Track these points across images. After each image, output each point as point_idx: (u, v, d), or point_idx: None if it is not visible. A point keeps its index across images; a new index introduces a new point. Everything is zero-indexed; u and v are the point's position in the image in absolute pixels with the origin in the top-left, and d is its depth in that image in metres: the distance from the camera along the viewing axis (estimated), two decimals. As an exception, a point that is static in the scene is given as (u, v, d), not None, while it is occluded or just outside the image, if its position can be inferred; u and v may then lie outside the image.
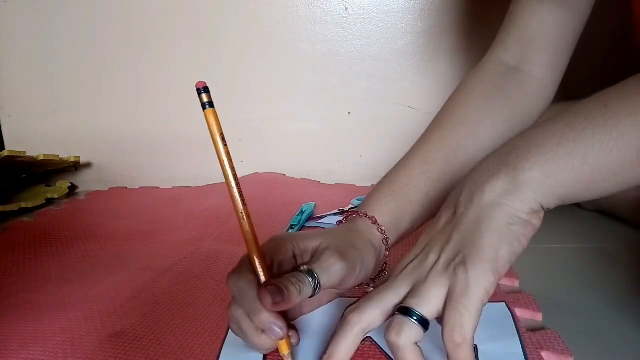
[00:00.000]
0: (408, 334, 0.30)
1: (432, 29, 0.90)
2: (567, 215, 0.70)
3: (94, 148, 1.02)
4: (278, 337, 0.34)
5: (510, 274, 0.50)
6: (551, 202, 0.32)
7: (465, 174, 0.36)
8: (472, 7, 0.89)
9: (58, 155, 0.94)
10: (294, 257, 0.39)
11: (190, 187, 0.96)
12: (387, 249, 0.44)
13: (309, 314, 0.41)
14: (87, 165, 1.03)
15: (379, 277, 0.45)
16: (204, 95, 0.33)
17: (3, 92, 1.01)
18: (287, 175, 0.96)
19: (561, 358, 0.36)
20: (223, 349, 0.39)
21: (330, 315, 0.42)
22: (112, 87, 0.99)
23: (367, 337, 0.37)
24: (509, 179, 0.31)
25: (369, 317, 0.32)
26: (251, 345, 0.36)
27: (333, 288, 0.39)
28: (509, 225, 0.31)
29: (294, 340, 0.36)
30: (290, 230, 0.66)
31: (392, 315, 0.32)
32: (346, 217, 0.46)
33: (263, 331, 0.34)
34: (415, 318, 0.30)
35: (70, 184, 0.99)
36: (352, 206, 0.75)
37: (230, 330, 0.40)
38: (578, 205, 0.74)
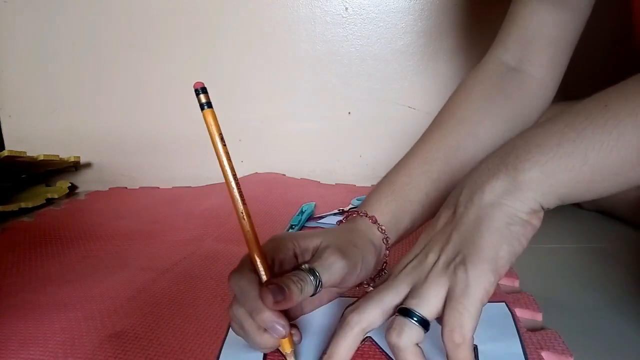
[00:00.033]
0: (409, 334, 0.30)
1: (432, 29, 0.90)
2: (567, 215, 0.70)
3: (94, 148, 1.02)
4: (280, 336, 0.34)
5: (510, 274, 0.50)
6: (551, 202, 0.32)
7: (465, 173, 0.36)
8: (472, 7, 0.89)
9: (58, 155, 0.94)
10: (295, 256, 0.39)
11: (190, 187, 0.96)
12: (387, 248, 0.44)
13: (309, 314, 0.41)
14: (87, 165, 1.03)
15: (379, 276, 0.45)
16: (202, 96, 0.33)
17: (3, 92, 1.01)
18: (287, 175, 0.96)
19: (561, 358, 0.36)
20: (223, 349, 0.39)
21: (330, 314, 0.42)
22: (112, 87, 0.99)
23: (367, 337, 0.37)
24: (509, 179, 0.31)
25: (369, 317, 0.32)
26: (253, 345, 0.36)
27: (334, 287, 0.39)
28: (508, 225, 0.31)
29: (296, 338, 0.36)
30: (290, 230, 0.66)
31: (392, 315, 0.32)
32: (346, 217, 0.46)
33: (265, 330, 0.34)
34: (415, 319, 0.30)
35: (70, 184, 0.99)
36: (352, 206, 0.75)
37: (230, 330, 0.40)
38: (578, 205, 0.74)
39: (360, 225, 0.43)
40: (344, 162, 0.97)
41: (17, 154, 0.83)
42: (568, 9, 0.48)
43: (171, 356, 0.38)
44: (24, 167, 0.95)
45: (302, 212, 0.72)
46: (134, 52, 0.97)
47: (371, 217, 0.44)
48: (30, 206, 0.84)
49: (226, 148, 0.34)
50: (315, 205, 0.76)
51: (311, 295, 0.35)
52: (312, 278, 0.35)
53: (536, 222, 0.32)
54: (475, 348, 0.36)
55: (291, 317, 0.39)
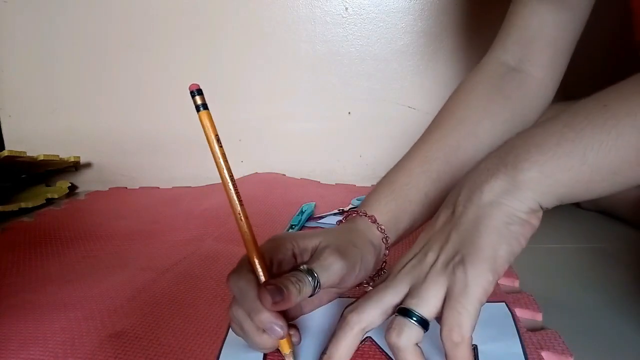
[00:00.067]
0: (408, 334, 0.30)
1: (432, 29, 0.90)
2: (567, 215, 0.70)
3: (94, 148, 1.02)
4: (279, 336, 0.34)
5: (510, 274, 0.50)
6: (550, 202, 0.32)
7: (465, 173, 0.36)
8: (472, 7, 0.89)
9: (58, 155, 0.94)
10: (294, 256, 0.39)
11: (190, 187, 0.96)
12: (386, 248, 0.44)
13: (308, 314, 0.41)
14: (87, 165, 1.03)
15: (378, 276, 0.45)
16: (197, 98, 0.33)
17: (3, 92, 1.01)
18: (287, 175, 0.96)
19: (561, 358, 0.36)
20: (223, 349, 0.39)
21: (330, 315, 0.42)
22: (112, 87, 0.99)
23: (367, 337, 0.37)
24: (508, 178, 0.31)
25: (368, 317, 0.32)
26: (252, 345, 0.36)
27: (333, 287, 0.39)
28: (507, 224, 0.31)
29: (295, 339, 0.36)
30: (290, 230, 0.66)
31: (391, 314, 0.33)
32: (346, 217, 0.46)
33: (264, 331, 0.34)
34: (414, 319, 0.30)
35: (70, 184, 0.99)
36: (352, 206, 0.75)
37: (230, 330, 0.40)
38: (578, 205, 0.74)
39: (360, 225, 0.43)
40: (344, 162, 0.97)
41: (17, 154, 0.83)
42: (568, 9, 0.48)
43: (171, 356, 0.38)
44: (24, 167, 0.95)
45: (302, 212, 0.72)
46: (134, 52, 0.97)
47: (370, 217, 0.44)
48: (30, 206, 0.84)
49: (222, 149, 0.34)
50: (315, 205, 0.76)
51: (310, 296, 0.35)
52: (310, 279, 0.35)
53: (535, 221, 0.32)
54: (475, 348, 0.36)
55: (290, 317, 0.39)
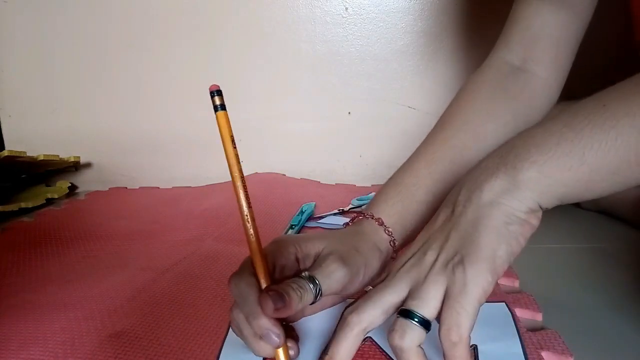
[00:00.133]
0: (411, 336, 0.30)
1: (432, 29, 0.90)
2: (567, 215, 0.70)
3: (94, 148, 1.02)
4: (274, 345, 0.33)
5: (510, 274, 0.50)
6: (549, 202, 0.32)
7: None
8: (472, 7, 0.89)
9: (58, 155, 0.94)
10: (297, 260, 0.38)
11: (190, 187, 0.96)
12: (394, 251, 0.43)
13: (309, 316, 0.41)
14: (87, 165, 1.03)
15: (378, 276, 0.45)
16: (216, 98, 0.33)
17: (3, 92, 1.01)
18: (287, 175, 0.96)
19: (561, 358, 0.36)
20: (223, 349, 0.39)
21: (330, 317, 0.42)
22: (112, 87, 0.99)
23: (367, 337, 0.37)
24: (508, 178, 0.31)
25: (369, 318, 0.32)
26: (251, 350, 0.35)
27: (335, 294, 0.39)
28: (506, 224, 0.31)
29: (292, 352, 0.35)
30: (290, 230, 0.66)
31: (391, 314, 0.32)
32: (353, 219, 0.46)
33: (262, 337, 0.34)
34: (416, 320, 0.30)
35: (70, 184, 0.99)
36: (352, 206, 0.75)
37: (230, 330, 0.40)
38: (578, 205, 0.74)
39: (366, 228, 0.43)
40: (344, 162, 0.97)
41: (17, 154, 0.83)
42: (569, 9, 0.48)
43: (171, 356, 0.38)
44: (24, 167, 0.95)
45: (302, 212, 0.72)
46: (134, 52, 0.97)
47: (377, 219, 0.43)
48: (30, 206, 0.84)
49: (236, 151, 0.34)
50: (315, 205, 0.76)
51: (311, 304, 0.35)
52: (311, 286, 0.34)
53: (534, 221, 0.32)
54: (475, 348, 0.36)
55: (292, 320, 0.39)
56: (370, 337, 0.38)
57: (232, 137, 0.34)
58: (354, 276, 0.38)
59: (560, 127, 0.31)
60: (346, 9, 0.91)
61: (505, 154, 0.33)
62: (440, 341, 0.30)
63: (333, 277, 0.36)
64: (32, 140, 1.00)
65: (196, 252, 0.60)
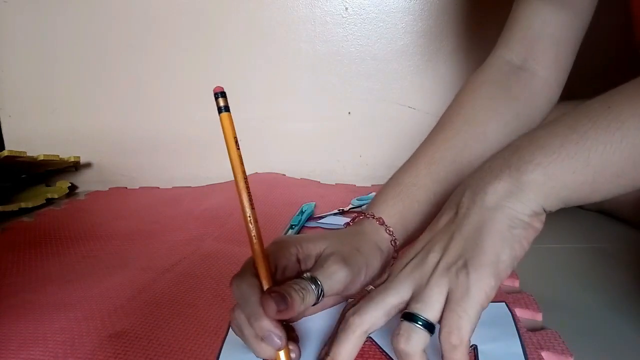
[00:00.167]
0: (416, 340, 0.30)
1: (432, 29, 0.90)
2: (567, 215, 0.69)
3: (94, 148, 1.02)
4: (276, 347, 0.33)
5: (510, 274, 0.50)
6: (553, 204, 0.31)
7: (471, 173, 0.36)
8: (472, 7, 0.89)
9: (58, 155, 0.94)
10: (298, 261, 0.38)
11: (190, 187, 0.96)
12: (395, 251, 0.43)
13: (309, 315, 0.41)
14: (87, 165, 1.03)
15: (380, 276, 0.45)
16: (220, 99, 0.33)
17: (3, 92, 1.01)
18: (287, 175, 0.96)
19: (561, 358, 0.36)
20: (223, 349, 0.39)
21: (330, 315, 0.42)
22: (112, 87, 0.99)
23: (367, 337, 0.37)
24: (512, 180, 0.31)
25: (371, 319, 0.32)
26: (252, 351, 0.35)
27: (337, 294, 0.39)
28: (510, 228, 0.31)
29: (293, 355, 0.35)
30: (290, 231, 0.66)
31: (393, 315, 0.32)
32: (353, 219, 0.46)
33: (263, 339, 0.34)
34: (420, 323, 0.30)
35: (70, 184, 0.99)
36: (352, 206, 0.75)
37: (230, 330, 0.40)
38: (578, 206, 0.74)
39: (367, 228, 0.43)
40: (344, 162, 0.97)
41: (17, 154, 0.83)
42: (569, 9, 0.48)
43: (171, 356, 0.38)
44: (24, 167, 0.95)
45: (302, 212, 0.72)
46: (134, 52, 0.97)
47: (378, 219, 0.43)
48: (30, 206, 0.84)
49: (240, 152, 0.34)
50: (315, 205, 0.76)
51: (313, 305, 0.35)
52: (313, 287, 0.34)
53: (538, 224, 0.32)
54: (475, 348, 0.36)
55: (293, 319, 0.39)
56: (370, 337, 0.38)
57: (235, 138, 0.34)
58: (355, 276, 0.38)
59: (564, 129, 0.31)
60: (346, 9, 0.91)
61: (509, 156, 0.32)
62: (440, 343, 0.29)
63: (335, 278, 0.36)
64: (32, 140, 1.00)
65: (196, 252, 0.60)
